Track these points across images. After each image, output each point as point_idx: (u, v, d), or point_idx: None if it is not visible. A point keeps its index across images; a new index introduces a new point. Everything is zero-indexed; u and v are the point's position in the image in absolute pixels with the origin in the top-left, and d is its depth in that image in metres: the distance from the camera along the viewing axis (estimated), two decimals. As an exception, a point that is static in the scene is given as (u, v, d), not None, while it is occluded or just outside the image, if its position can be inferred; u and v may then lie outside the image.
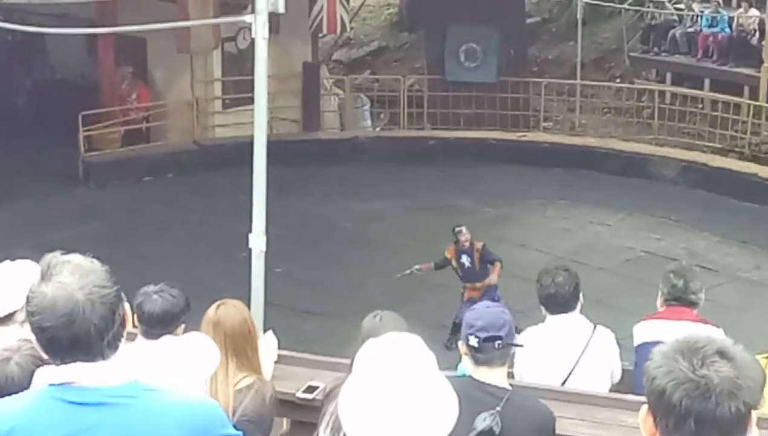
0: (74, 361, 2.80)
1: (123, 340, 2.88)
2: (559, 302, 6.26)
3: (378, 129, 23.25)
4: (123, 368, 2.88)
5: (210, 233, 17.23)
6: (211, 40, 19.64)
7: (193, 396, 3.20)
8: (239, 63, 20.23)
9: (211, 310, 5.23)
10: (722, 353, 2.40)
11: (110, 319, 2.81)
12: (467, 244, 13.85)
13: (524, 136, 21.93)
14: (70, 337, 2.77)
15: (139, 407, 2.85)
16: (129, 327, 2.93)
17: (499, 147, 21.44)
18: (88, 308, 2.77)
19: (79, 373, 2.81)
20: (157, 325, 5.35)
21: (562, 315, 6.27)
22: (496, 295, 13.20)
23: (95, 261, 2.89)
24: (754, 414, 2.48)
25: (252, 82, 7.47)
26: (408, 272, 14.50)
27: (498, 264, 13.79)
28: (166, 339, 4.21)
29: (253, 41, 7.32)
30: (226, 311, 5.21)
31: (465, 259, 13.83)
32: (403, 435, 2.72)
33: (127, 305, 2.87)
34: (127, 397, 2.83)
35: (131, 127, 21.47)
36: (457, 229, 14.00)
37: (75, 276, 2.80)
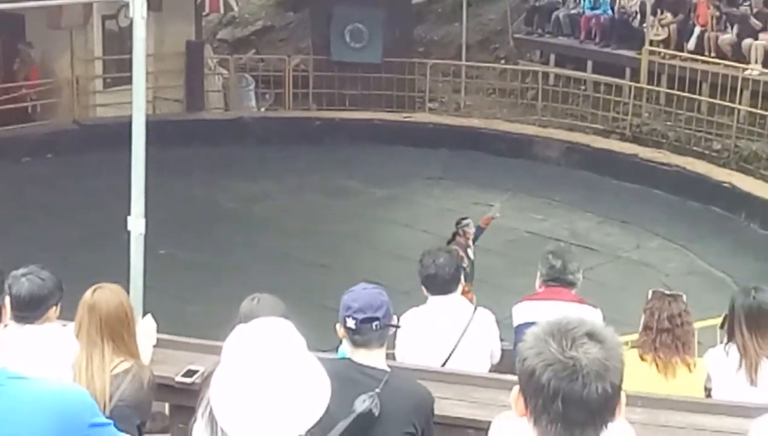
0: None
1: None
2: (439, 284, 6.28)
3: (263, 109, 23.10)
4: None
5: (91, 215, 16.95)
6: (81, 17, 19.30)
7: (62, 384, 3.12)
8: (120, 41, 19.88)
9: (88, 294, 5.14)
10: (591, 335, 2.42)
11: None
12: (465, 239, 13.31)
13: (410, 117, 22.00)
14: None
15: (5, 395, 2.77)
16: (6, 320, 2.82)
17: (385, 128, 21.47)
18: None
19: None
20: (25, 308, 5.23)
21: (443, 296, 6.29)
22: None
23: None
24: (623, 396, 2.50)
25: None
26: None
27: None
28: (31, 327, 4.15)
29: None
30: (102, 294, 5.12)
31: (470, 252, 13.27)
32: (272, 421, 2.70)
33: (7, 298, 2.77)
34: (-8, 385, 2.75)
35: (15, 107, 20.98)
36: (465, 221, 13.37)
37: None
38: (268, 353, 2.73)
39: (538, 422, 2.43)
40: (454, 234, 13.27)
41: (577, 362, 2.37)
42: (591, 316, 6.31)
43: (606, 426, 2.45)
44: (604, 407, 2.41)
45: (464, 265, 12.93)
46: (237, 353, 2.75)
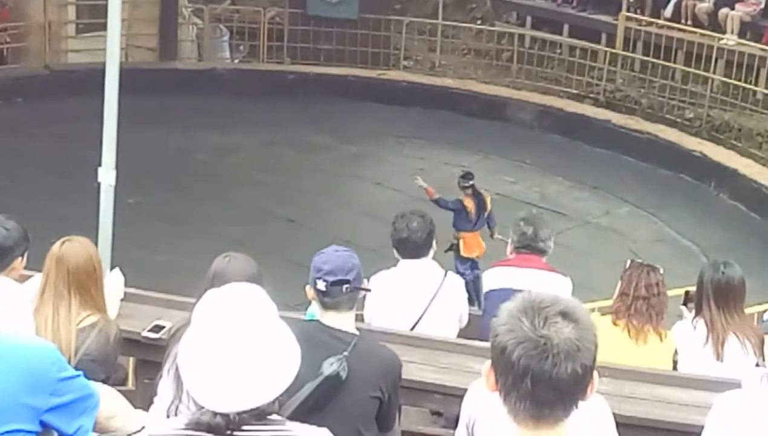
0: None
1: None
2: (411, 248, 6.27)
3: (237, 61, 22.93)
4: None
5: (60, 162, 16.82)
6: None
7: (28, 340, 3.10)
8: (95, -13, 19.67)
9: (56, 246, 5.10)
10: (565, 314, 2.41)
11: None
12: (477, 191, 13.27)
13: (384, 74, 21.91)
14: None
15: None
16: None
17: (359, 84, 21.36)
18: None
19: None
20: (-10, 258, 5.19)
21: (414, 260, 6.29)
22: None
23: None
24: (596, 375, 2.49)
25: (107, 6, 7.25)
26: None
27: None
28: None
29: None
30: (70, 247, 5.08)
31: (479, 205, 13.17)
32: (241, 390, 2.69)
33: None
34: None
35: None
36: (469, 175, 13.35)
37: None
38: (240, 320, 2.71)
39: (508, 398, 2.42)
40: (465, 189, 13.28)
41: (549, 341, 2.36)
42: (561, 284, 6.34)
43: (576, 405, 2.45)
44: (574, 387, 2.40)
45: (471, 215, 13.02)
46: (208, 319, 2.73)
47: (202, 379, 2.70)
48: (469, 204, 13.14)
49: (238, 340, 2.69)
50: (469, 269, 12.75)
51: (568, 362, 2.37)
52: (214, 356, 2.68)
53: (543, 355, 2.35)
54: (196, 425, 2.75)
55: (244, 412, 2.71)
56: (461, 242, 13.13)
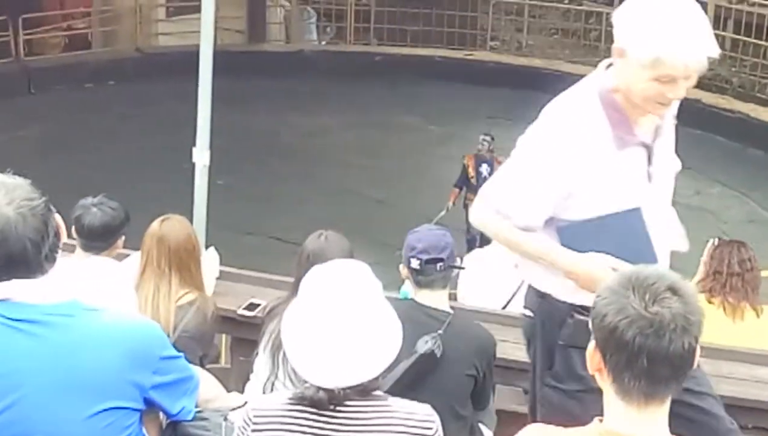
0: (12, 278, 2.73)
1: (60, 251, 2.81)
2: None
3: (324, 43, 23.02)
4: (62, 285, 2.81)
5: (152, 143, 17.05)
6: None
7: (133, 317, 3.15)
8: (185, -30, 19.87)
9: (155, 224, 5.17)
10: (674, 289, 2.40)
11: (44, 231, 2.72)
12: (488, 154, 13.55)
13: (471, 54, 21.83)
14: (6, 255, 2.68)
15: (77, 326, 2.78)
16: (64, 238, 2.84)
17: (446, 65, 21.31)
18: (20, 222, 2.67)
19: (17, 290, 2.73)
20: (97, 238, 5.29)
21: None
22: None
23: (17, 177, 2.80)
24: (698, 347, 2.49)
25: (198, -10, 7.32)
26: (442, 214, 13.74)
27: None
28: (99, 258, 4.17)
29: (200, -51, 7.17)
30: (170, 225, 5.16)
31: (485, 168, 13.45)
32: (348, 365, 2.72)
33: (57, 216, 2.78)
34: (66, 316, 2.77)
35: (74, 33, 21.12)
36: (483, 137, 13.65)
37: (0, 193, 2.72)
38: (348, 297, 2.74)
39: (618, 378, 2.41)
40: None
41: (663, 318, 2.36)
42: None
43: (686, 378, 2.45)
44: (688, 361, 2.40)
45: (470, 176, 13.15)
46: (317, 295, 2.76)
47: (309, 354, 2.73)
48: (470, 162, 13.23)
49: (347, 316, 2.71)
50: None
51: (684, 337, 2.37)
52: (322, 331, 2.71)
53: (659, 333, 2.35)
54: (300, 400, 2.78)
55: (348, 388, 2.74)
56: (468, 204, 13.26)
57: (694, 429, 3.76)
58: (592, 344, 2.47)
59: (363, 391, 2.76)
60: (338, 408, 2.76)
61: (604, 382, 2.45)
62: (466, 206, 13.31)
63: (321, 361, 2.72)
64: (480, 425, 4.85)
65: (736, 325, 5.79)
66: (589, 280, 3.71)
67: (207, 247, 6.45)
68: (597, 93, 3.95)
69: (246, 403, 3.16)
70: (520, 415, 4.82)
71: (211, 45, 7.13)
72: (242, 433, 3.00)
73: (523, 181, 3.93)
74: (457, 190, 13.63)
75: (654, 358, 2.36)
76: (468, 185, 13.50)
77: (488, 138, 13.51)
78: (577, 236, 3.85)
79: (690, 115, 20.11)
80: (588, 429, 2.51)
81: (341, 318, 2.71)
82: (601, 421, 2.49)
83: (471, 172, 13.42)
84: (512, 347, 5.18)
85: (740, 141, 18.35)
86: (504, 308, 6.12)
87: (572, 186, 3.88)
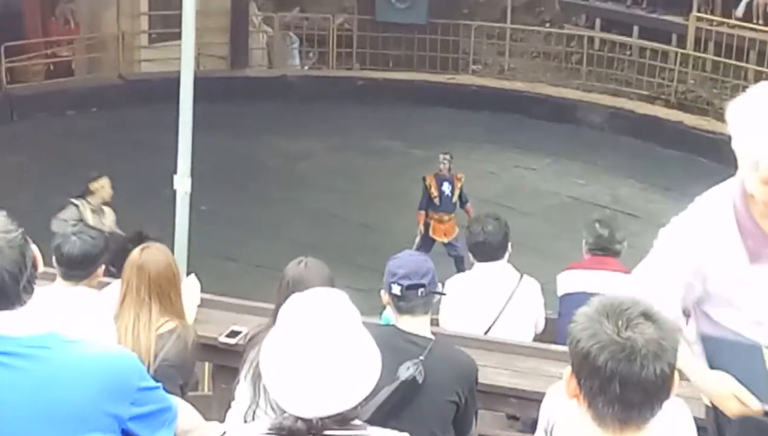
0: (-8, 310, 2.72)
1: (37, 282, 2.80)
2: (487, 251, 6.28)
3: (306, 68, 23.06)
4: (40, 317, 2.80)
5: (134, 170, 16.98)
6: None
7: (110, 348, 3.13)
8: (166, -3, 19.90)
9: (135, 253, 5.17)
10: (647, 315, 2.40)
11: (22, 263, 2.72)
12: (448, 172, 13.64)
13: (453, 78, 21.88)
14: None
15: (55, 358, 2.77)
16: (41, 268, 2.83)
17: (428, 89, 21.36)
18: None
19: (-4, 321, 2.73)
20: (77, 267, 5.28)
21: (490, 263, 6.29)
22: (460, 244, 12.84)
23: None
24: (677, 375, 2.49)
25: (180, 16, 7.32)
26: (417, 239, 13.67)
27: (470, 206, 13.53)
28: (79, 289, 4.16)
29: (180, -24, 7.17)
30: (150, 254, 5.15)
31: (446, 186, 13.53)
32: (326, 395, 2.71)
33: (34, 246, 2.78)
34: (44, 348, 2.76)
35: (57, 60, 21.12)
36: (443, 156, 13.71)
37: None
38: (326, 325, 2.73)
39: (593, 403, 2.42)
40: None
41: (634, 343, 2.36)
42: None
43: (661, 406, 2.45)
44: (661, 387, 2.40)
45: (433, 196, 13.30)
46: (294, 324, 2.75)
47: (286, 383, 2.72)
48: (432, 182, 13.35)
49: (325, 345, 2.71)
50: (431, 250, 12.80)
51: (656, 363, 2.37)
52: (300, 360, 2.70)
53: (630, 357, 2.35)
54: (278, 430, 2.76)
55: (327, 417, 2.73)
56: (431, 224, 13.48)
57: None
58: (567, 370, 2.47)
59: (342, 420, 2.75)
60: (317, 438, 2.75)
61: (581, 407, 2.46)
62: (427, 226, 13.40)
63: (299, 390, 2.70)
64: (462, 451, 4.84)
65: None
66: (716, 398, 3.59)
67: (188, 273, 6.44)
68: (731, 197, 3.71)
69: (224, 433, 3.15)
70: (503, 440, 4.82)
71: (191, 72, 7.13)
72: (221, 463, 2.99)
73: (652, 263, 3.79)
74: (423, 212, 13.67)
75: (626, 383, 2.36)
76: (431, 205, 13.56)
77: (448, 156, 13.62)
78: (708, 348, 3.65)
79: (672, 137, 20.19)
80: None
81: (318, 347, 2.70)
82: None
83: (434, 191, 13.47)
84: (494, 372, 5.19)
85: (722, 162, 18.27)
86: (486, 332, 6.12)
87: (697, 276, 3.66)
